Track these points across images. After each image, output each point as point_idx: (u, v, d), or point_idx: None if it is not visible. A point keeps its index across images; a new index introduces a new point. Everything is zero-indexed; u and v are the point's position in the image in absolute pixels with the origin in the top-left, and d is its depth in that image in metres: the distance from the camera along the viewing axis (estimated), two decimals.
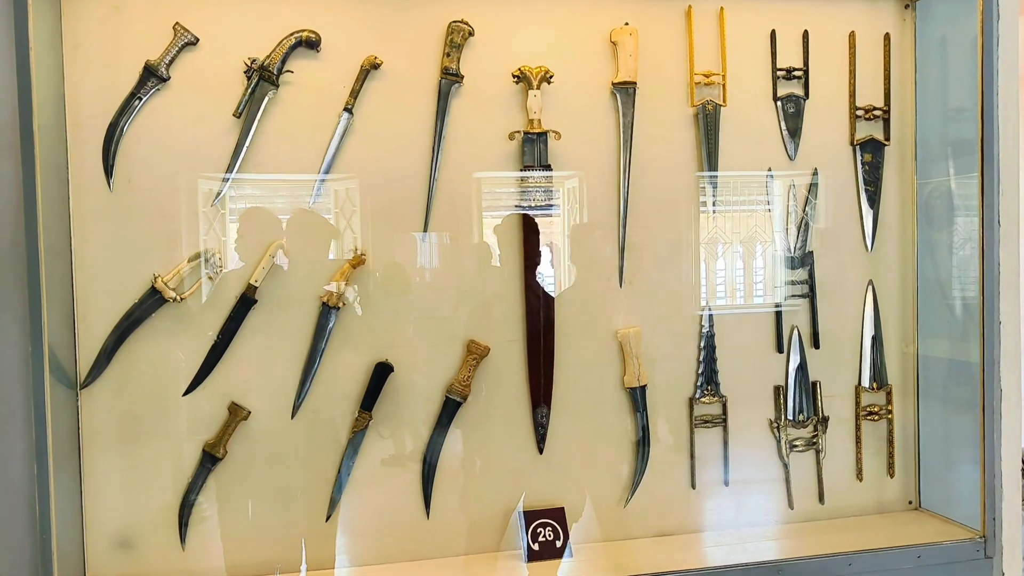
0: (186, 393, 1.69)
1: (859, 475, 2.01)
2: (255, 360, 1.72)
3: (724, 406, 1.93)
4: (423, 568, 1.79)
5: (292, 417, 1.74)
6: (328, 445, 1.75)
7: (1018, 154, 2.10)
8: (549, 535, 1.80)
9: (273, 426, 1.73)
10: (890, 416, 2.02)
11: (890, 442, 2.03)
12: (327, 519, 1.76)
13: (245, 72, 1.68)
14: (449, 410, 1.79)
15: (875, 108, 1.99)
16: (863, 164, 1.98)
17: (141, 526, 1.69)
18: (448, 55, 1.77)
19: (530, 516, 1.80)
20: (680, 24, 1.89)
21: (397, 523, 1.80)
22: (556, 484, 1.86)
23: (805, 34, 1.95)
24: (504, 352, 1.83)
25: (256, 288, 1.69)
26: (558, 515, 1.82)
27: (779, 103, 1.94)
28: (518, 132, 1.81)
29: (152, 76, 1.64)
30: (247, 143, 1.68)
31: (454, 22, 1.77)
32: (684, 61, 1.89)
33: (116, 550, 1.68)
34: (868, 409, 2.01)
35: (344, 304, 1.73)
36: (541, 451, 1.85)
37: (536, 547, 1.78)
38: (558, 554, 1.79)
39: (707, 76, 1.89)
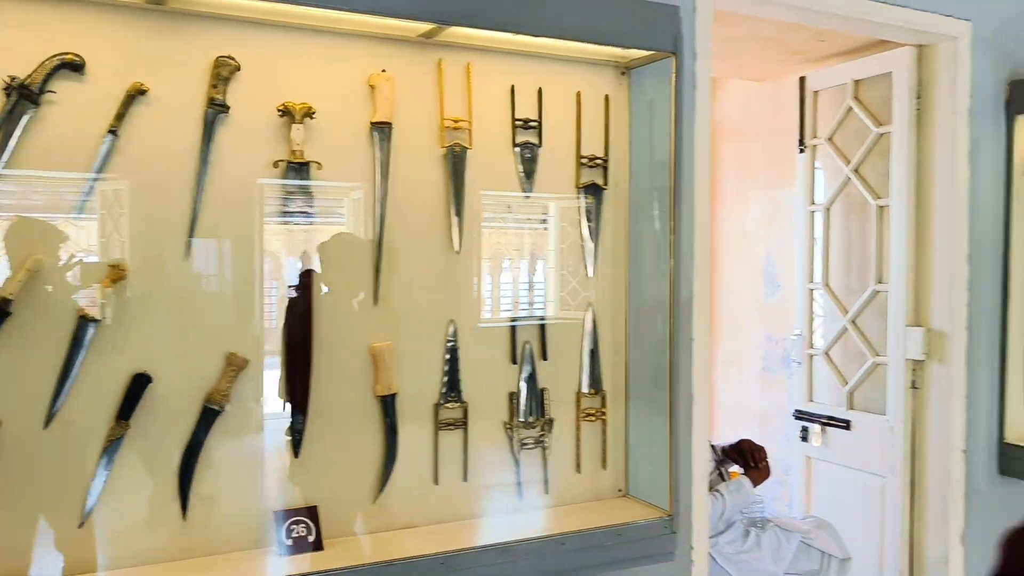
0: None
1: (578, 468, 2.35)
2: (8, 372, 1.75)
3: (465, 411, 2.19)
4: (180, 568, 1.89)
5: (45, 427, 1.78)
6: (83, 454, 1.81)
7: (707, 201, 2.56)
8: (302, 531, 1.96)
9: (24, 436, 1.76)
10: (604, 417, 2.39)
11: (604, 439, 2.39)
12: (80, 525, 1.81)
13: (4, 89, 1.71)
14: (208, 418, 1.91)
15: (597, 157, 2.35)
16: (587, 204, 2.34)
17: None
18: (215, 87, 1.90)
19: (284, 515, 1.96)
20: (434, 74, 2.14)
21: (154, 526, 1.88)
22: (311, 485, 2.03)
23: (539, 91, 2.27)
24: (264, 364, 1.97)
25: (11, 301, 1.72)
26: (311, 513, 1.99)
27: (517, 149, 2.24)
28: (282, 161, 1.97)
29: None
30: (4, 159, 1.71)
31: (221, 57, 1.90)
32: (436, 107, 2.14)
33: None
34: (587, 411, 2.36)
35: (103, 317, 1.80)
36: (297, 455, 2.01)
37: (290, 543, 1.94)
38: (311, 548, 1.96)
39: (456, 122, 2.15)
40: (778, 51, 3.53)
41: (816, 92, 3.57)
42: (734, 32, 3.29)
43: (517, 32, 2.04)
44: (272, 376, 1.99)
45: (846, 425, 3.42)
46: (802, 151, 3.62)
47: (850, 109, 3.39)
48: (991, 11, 3.05)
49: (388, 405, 2.09)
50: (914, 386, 3.16)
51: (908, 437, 3.16)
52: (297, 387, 2.00)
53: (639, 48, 2.21)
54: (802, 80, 3.60)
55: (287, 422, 2.00)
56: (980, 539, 3.08)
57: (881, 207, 3.26)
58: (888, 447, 3.21)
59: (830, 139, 3.50)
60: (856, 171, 3.37)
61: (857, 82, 3.36)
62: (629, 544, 2.17)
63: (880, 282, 3.27)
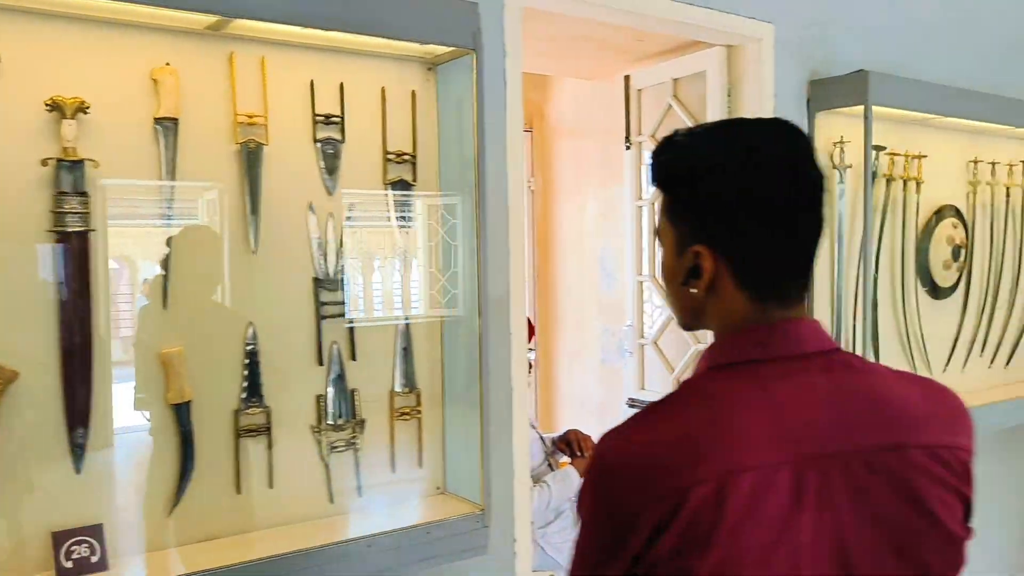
0: None
1: (393, 468, 2.33)
2: None
3: (268, 416, 2.13)
4: None
5: None
6: None
7: (522, 198, 2.59)
8: (85, 552, 1.85)
9: None
10: (419, 416, 2.37)
11: (420, 438, 2.37)
12: None
13: None
14: None
15: (404, 153, 2.32)
16: (395, 201, 2.31)
17: None
18: None
19: (63, 535, 1.84)
20: (225, 67, 2.06)
21: None
22: (96, 502, 1.92)
23: (341, 86, 2.22)
24: (37, 375, 1.84)
25: None
26: (95, 531, 1.87)
27: (319, 145, 2.19)
28: (52, 159, 1.84)
29: None
30: None
31: None
32: (228, 102, 2.06)
33: None
34: (401, 410, 2.34)
35: None
36: (79, 471, 1.89)
37: (70, 565, 1.82)
38: (94, 569, 1.85)
39: (250, 117, 2.08)
40: (604, 50, 3.63)
41: (640, 90, 3.69)
42: (559, 31, 3.35)
43: (306, 26, 1.99)
44: (49, 388, 1.87)
45: None
46: (628, 148, 3.74)
47: (670, 107, 3.52)
48: (792, 15, 3.23)
49: (181, 413, 2.00)
50: None
51: None
52: (76, 399, 1.87)
53: (437, 44, 2.20)
54: (627, 79, 3.72)
55: (67, 435, 1.87)
56: None
57: None
58: None
59: (653, 136, 3.62)
60: None
61: (676, 80, 3.49)
62: (440, 541, 2.16)
63: None
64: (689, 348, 3.46)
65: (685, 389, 1.03)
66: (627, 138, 3.73)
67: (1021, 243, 4.09)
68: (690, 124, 3.40)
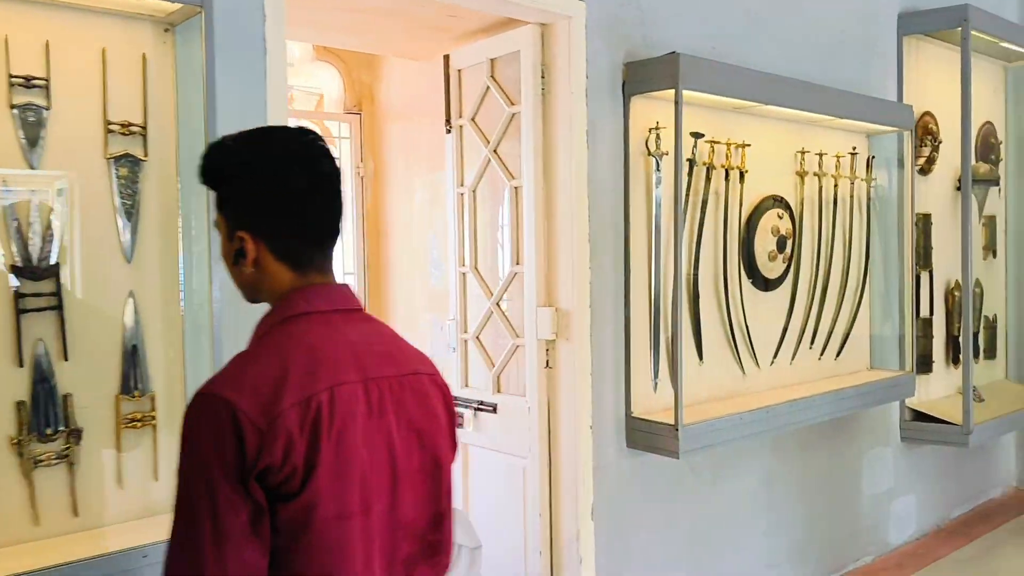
0: None
1: (120, 482, 2.05)
2: None
3: None
4: None
5: None
6: None
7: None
8: None
9: None
10: (154, 423, 2.09)
11: (155, 447, 2.10)
12: None
13: None
14: None
15: (132, 124, 2.04)
16: (119, 178, 2.03)
17: None
18: None
19: None
20: None
21: None
22: None
23: (47, 44, 1.92)
24: None
25: None
26: None
27: (16, 111, 1.89)
28: None
29: None
30: None
31: None
32: None
33: None
34: (130, 417, 2.06)
35: None
36: None
37: None
38: None
39: None
40: (418, 27, 3.40)
41: (460, 71, 3.49)
42: (361, 3, 3.11)
43: None
44: None
45: (493, 409, 3.38)
46: (449, 132, 3.53)
47: (488, 88, 3.33)
48: None
49: None
50: (548, 366, 3.16)
51: (544, 417, 3.15)
52: None
53: None
54: (446, 58, 3.51)
55: None
56: (609, 513, 3.14)
57: (516, 188, 3.23)
58: (527, 428, 3.19)
59: (473, 119, 3.43)
60: (495, 152, 3.31)
61: (493, 60, 3.31)
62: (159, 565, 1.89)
63: (518, 263, 3.23)
64: (508, 342, 3.29)
65: (272, 337, 1.21)
66: (448, 121, 3.53)
67: (848, 234, 4.10)
68: (506, 107, 3.22)
